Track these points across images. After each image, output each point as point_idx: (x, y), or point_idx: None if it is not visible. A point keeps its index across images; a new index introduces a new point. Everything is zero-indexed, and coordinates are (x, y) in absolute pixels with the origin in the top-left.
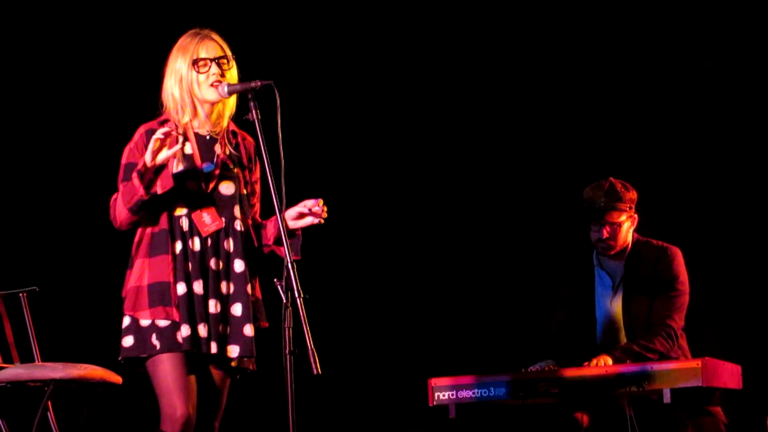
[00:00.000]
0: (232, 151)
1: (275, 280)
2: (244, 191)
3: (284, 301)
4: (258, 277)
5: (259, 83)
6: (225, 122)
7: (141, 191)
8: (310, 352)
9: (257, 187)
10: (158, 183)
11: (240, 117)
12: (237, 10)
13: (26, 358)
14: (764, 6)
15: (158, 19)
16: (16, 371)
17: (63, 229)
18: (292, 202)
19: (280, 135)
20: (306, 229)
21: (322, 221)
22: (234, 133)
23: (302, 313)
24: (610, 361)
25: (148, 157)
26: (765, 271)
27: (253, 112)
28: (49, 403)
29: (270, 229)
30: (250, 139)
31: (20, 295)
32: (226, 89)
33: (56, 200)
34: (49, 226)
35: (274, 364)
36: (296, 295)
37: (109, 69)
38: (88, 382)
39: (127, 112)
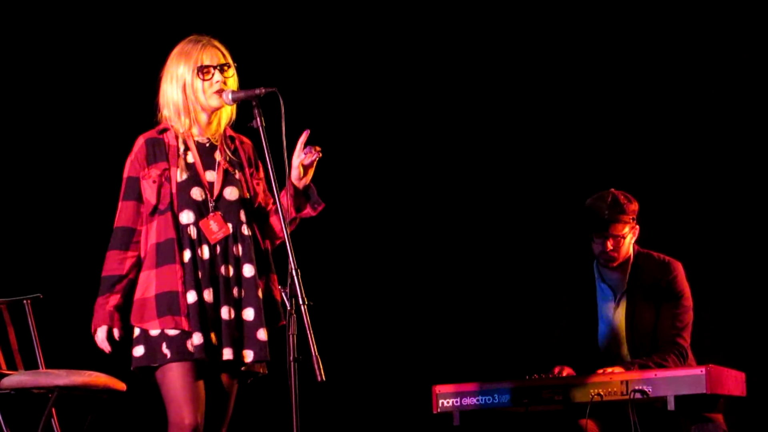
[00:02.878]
0: (232, 156)
1: (279, 287)
2: (248, 195)
3: (288, 308)
4: (270, 276)
5: (263, 90)
6: (222, 128)
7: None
8: (314, 359)
9: (264, 184)
10: (160, 197)
11: (243, 124)
12: (239, 17)
13: (30, 365)
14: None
15: (158, 24)
16: (20, 378)
17: (67, 235)
18: None
19: (285, 142)
20: (309, 235)
21: (320, 155)
22: (231, 138)
23: (306, 320)
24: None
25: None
26: None
27: (258, 119)
28: (53, 409)
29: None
30: (247, 141)
31: (24, 302)
32: (230, 96)
33: (60, 207)
34: (53, 233)
35: (279, 371)
36: (300, 302)
37: (111, 77)
38: (92, 388)
39: (129, 119)
